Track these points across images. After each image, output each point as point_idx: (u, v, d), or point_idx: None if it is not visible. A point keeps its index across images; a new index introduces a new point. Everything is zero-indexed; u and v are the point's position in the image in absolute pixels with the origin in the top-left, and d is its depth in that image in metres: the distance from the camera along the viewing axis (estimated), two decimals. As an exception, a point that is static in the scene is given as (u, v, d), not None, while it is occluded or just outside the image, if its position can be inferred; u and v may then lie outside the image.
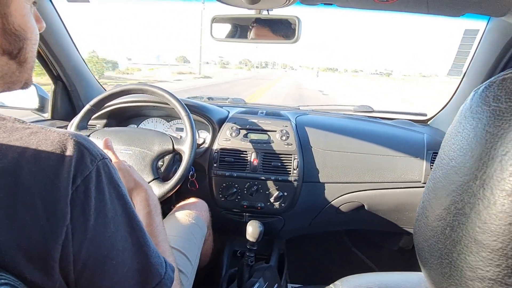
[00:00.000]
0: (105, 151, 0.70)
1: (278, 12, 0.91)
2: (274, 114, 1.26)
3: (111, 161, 0.41)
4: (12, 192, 0.32)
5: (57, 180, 0.34)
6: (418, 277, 0.38)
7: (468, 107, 0.26)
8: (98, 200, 0.37)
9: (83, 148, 0.37)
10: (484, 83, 0.26)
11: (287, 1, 0.79)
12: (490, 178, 0.22)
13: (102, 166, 0.39)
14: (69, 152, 0.36)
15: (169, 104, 1.02)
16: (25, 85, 0.45)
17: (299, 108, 1.48)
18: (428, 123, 1.39)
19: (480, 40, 1.03)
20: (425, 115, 1.41)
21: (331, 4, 0.82)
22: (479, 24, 0.97)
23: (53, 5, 1.13)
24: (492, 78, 0.25)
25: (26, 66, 0.43)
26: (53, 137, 0.36)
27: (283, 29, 0.93)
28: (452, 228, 0.25)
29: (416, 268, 0.35)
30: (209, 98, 1.53)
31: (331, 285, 0.44)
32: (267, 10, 0.89)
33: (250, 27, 0.94)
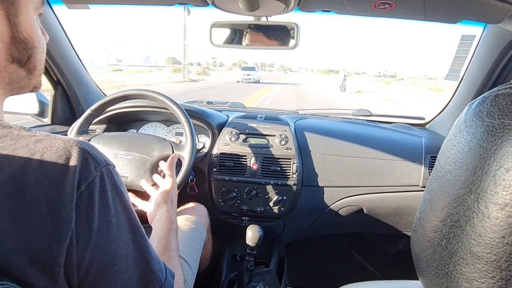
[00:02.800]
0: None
1: (277, 19, 0.92)
2: (273, 118, 1.27)
3: (114, 167, 0.42)
4: (19, 198, 0.33)
5: (62, 186, 0.35)
6: (416, 285, 0.39)
7: (463, 121, 0.27)
8: (102, 206, 0.38)
9: (87, 155, 0.38)
10: (478, 98, 0.26)
11: (286, 8, 0.80)
12: (484, 192, 0.23)
13: (106, 172, 0.39)
14: (74, 158, 0.36)
15: (168, 109, 1.03)
16: (34, 89, 0.47)
17: (298, 112, 1.49)
18: (426, 126, 1.40)
19: (477, 45, 1.04)
20: (423, 118, 1.42)
21: (329, 11, 0.82)
22: (475, 30, 0.98)
23: (53, 11, 1.13)
24: (486, 93, 0.26)
25: (35, 73, 0.45)
26: (58, 144, 0.37)
27: (282, 35, 0.93)
28: (448, 240, 0.26)
29: (415, 272, 0.36)
30: (208, 102, 1.54)
31: None
32: (266, 17, 0.90)
33: (249, 34, 0.95)
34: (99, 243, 0.37)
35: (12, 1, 0.39)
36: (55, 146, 0.37)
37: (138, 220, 0.44)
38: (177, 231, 0.72)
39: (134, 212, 0.44)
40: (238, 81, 21.50)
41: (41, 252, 0.33)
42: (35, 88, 0.47)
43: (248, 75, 21.66)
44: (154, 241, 0.67)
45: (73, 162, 0.36)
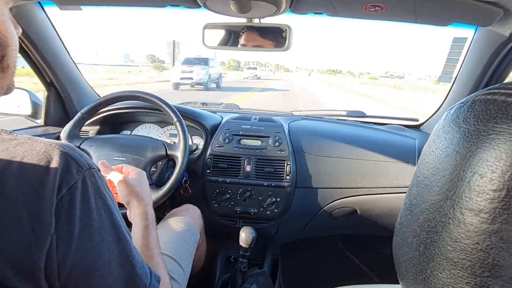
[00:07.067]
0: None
1: (269, 20, 0.92)
2: (267, 120, 1.27)
3: (99, 171, 0.42)
4: None
5: (42, 190, 0.35)
6: None
7: (441, 126, 0.27)
8: (84, 210, 0.37)
9: (69, 158, 0.37)
10: (456, 104, 0.26)
11: (277, 11, 0.80)
12: (459, 198, 0.23)
13: (89, 176, 0.39)
14: (55, 162, 0.36)
15: (161, 110, 1.03)
16: (8, 90, 0.45)
17: (292, 114, 1.49)
18: (420, 128, 1.40)
19: (469, 48, 1.05)
20: (417, 120, 1.42)
21: (321, 13, 0.83)
22: (467, 32, 0.99)
23: (44, 11, 1.12)
24: (464, 99, 0.26)
25: (8, 72, 0.43)
26: (39, 148, 0.36)
27: (275, 37, 0.94)
28: (425, 245, 0.26)
29: None
30: (202, 104, 1.54)
31: None
32: (259, 19, 0.90)
33: (242, 35, 0.95)
34: (81, 248, 0.37)
35: None
36: (36, 149, 0.36)
37: (124, 224, 0.44)
38: (154, 225, 0.68)
39: (120, 216, 0.43)
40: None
41: (21, 256, 0.33)
42: (8, 89, 0.44)
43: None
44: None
45: (53, 165, 0.36)
